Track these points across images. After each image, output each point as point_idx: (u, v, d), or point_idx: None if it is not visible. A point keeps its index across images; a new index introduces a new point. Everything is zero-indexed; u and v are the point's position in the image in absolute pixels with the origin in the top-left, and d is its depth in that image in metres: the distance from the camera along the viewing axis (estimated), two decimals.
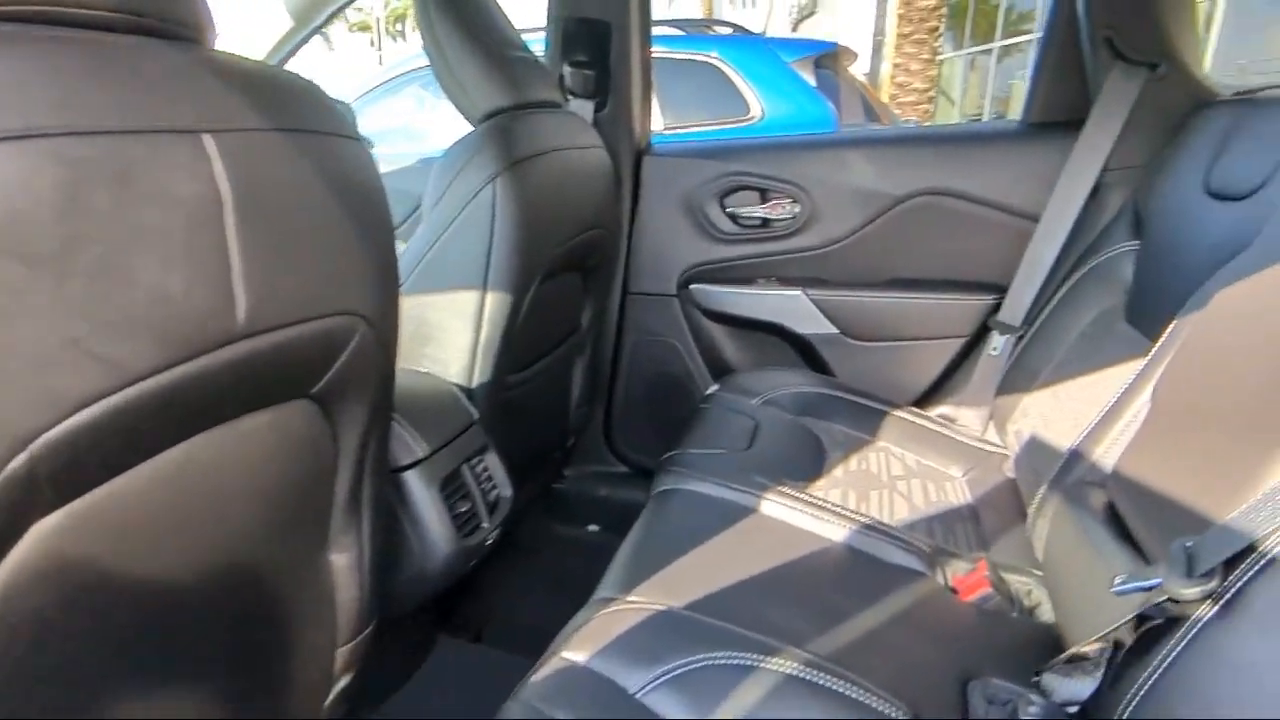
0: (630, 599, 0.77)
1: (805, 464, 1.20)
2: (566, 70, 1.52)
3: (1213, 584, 0.53)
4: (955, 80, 10.66)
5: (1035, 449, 1.08)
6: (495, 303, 1.09)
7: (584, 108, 1.53)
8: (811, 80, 3.21)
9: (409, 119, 3.73)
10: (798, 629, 0.76)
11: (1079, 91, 1.35)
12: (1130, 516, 0.76)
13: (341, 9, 1.76)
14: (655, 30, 1.67)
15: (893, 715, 0.67)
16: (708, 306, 1.62)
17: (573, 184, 1.27)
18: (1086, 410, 0.99)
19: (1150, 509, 0.72)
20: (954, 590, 0.93)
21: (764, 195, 1.57)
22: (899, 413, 1.37)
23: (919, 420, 1.36)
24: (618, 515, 1.65)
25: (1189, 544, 0.58)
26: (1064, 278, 1.30)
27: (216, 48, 0.55)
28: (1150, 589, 0.59)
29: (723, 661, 0.69)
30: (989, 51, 9.62)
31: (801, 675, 0.69)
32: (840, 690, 0.68)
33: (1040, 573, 0.95)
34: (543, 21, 1.56)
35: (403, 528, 0.91)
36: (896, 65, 9.34)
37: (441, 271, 1.10)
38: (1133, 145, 1.28)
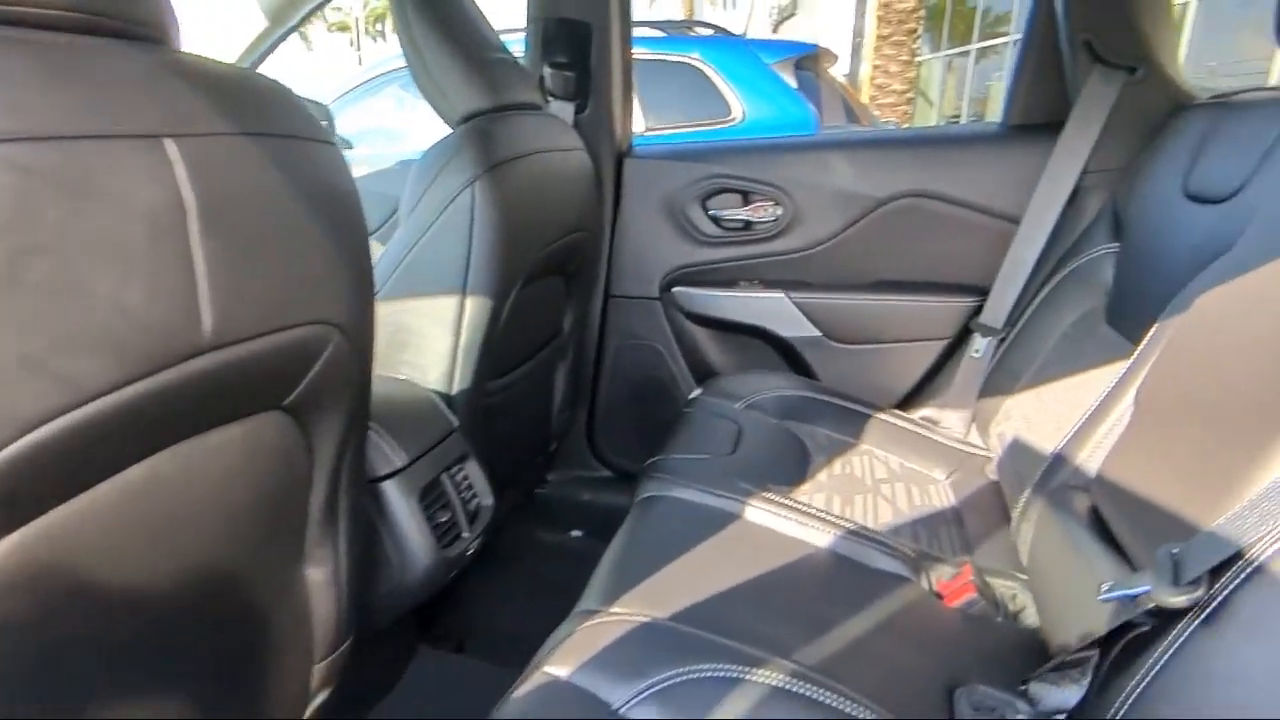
0: (614, 611, 0.76)
1: (789, 468, 1.19)
2: (546, 72, 1.50)
3: (1199, 592, 0.53)
4: (933, 81, 10.76)
5: (1018, 452, 1.08)
6: (475, 308, 1.07)
7: (564, 110, 1.51)
8: (792, 82, 3.22)
9: (388, 120, 3.70)
10: (783, 638, 0.75)
11: (1058, 94, 1.35)
12: (1114, 521, 0.76)
13: (317, 9, 1.73)
14: (636, 31, 1.65)
15: None
16: (690, 309, 1.61)
17: (553, 187, 1.25)
18: (1069, 412, 0.99)
19: (1134, 513, 0.72)
20: (939, 595, 0.92)
21: (746, 198, 1.56)
22: (882, 415, 1.37)
23: (902, 423, 1.36)
24: (601, 520, 1.64)
25: (1175, 551, 0.57)
26: (1045, 280, 1.31)
27: (183, 49, 0.54)
28: (1136, 596, 0.58)
29: (708, 674, 0.67)
30: (966, 53, 9.72)
31: (788, 686, 0.68)
32: (827, 701, 0.67)
33: (1024, 576, 0.95)
34: (522, 22, 1.55)
35: (381, 539, 0.89)
36: (876, 67, 9.41)
37: (420, 276, 1.08)
38: (1112, 148, 1.28)
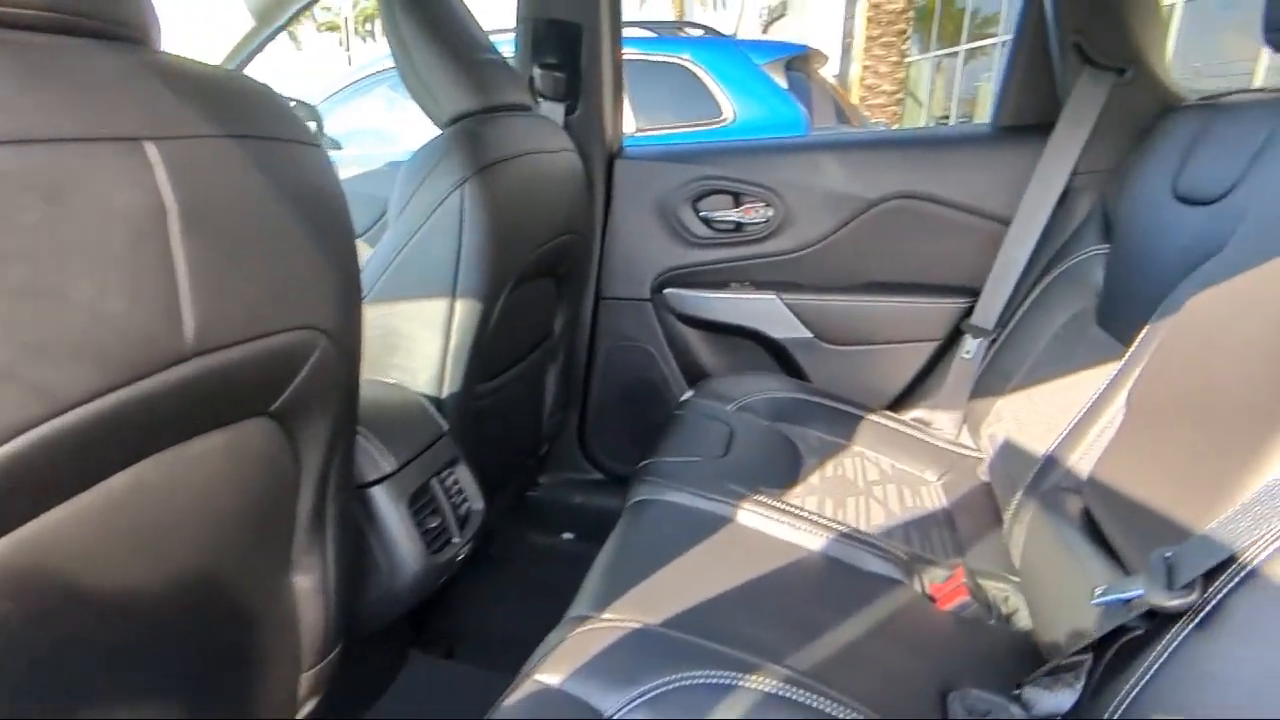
0: (605, 617, 0.75)
1: (781, 471, 1.19)
2: (536, 72, 1.49)
3: (1193, 596, 0.53)
4: (922, 82, 10.80)
5: (1010, 453, 1.08)
6: (464, 310, 1.06)
7: (554, 110, 1.50)
8: (783, 83, 3.22)
9: (378, 120, 3.68)
10: (776, 644, 0.74)
11: (1048, 95, 1.36)
12: (1107, 524, 0.76)
13: (305, 8, 1.72)
14: (626, 32, 1.65)
15: None
16: (682, 311, 1.61)
17: (543, 188, 1.24)
18: (1060, 414, 0.99)
19: (1127, 516, 0.72)
20: (932, 598, 0.92)
21: (737, 199, 1.56)
22: (874, 417, 1.37)
23: (894, 424, 1.36)
24: (593, 523, 1.63)
25: (1168, 554, 0.57)
26: (1035, 281, 1.31)
27: (167, 49, 0.53)
28: (1130, 600, 0.58)
29: (700, 681, 0.67)
30: (955, 54, 9.77)
31: (780, 693, 0.67)
32: (819, 706, 0.67)
33: (1017, 579, 0.95)
34: (511, 23, 1.54)
35: (369, 546, 0.88)
36: (866, 67, 9.44)
37: (408, 279, 1.07)
38: (1101, 149, 1.29)
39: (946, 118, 10.05)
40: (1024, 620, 0.90)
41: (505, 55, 1.26)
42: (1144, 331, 0.86)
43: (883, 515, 1.12)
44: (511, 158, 1.13)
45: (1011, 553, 0.96)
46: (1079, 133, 1.30)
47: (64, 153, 0.40)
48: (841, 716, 0.66)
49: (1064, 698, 0.63)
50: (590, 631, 0.73)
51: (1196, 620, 0.53)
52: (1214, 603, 0.52)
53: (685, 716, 0.64)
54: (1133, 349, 0.87)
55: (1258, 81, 5.00)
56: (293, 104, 2.65)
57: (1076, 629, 0.71)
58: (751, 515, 0.98)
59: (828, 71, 4.13)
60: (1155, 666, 0.55)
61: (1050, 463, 0.93)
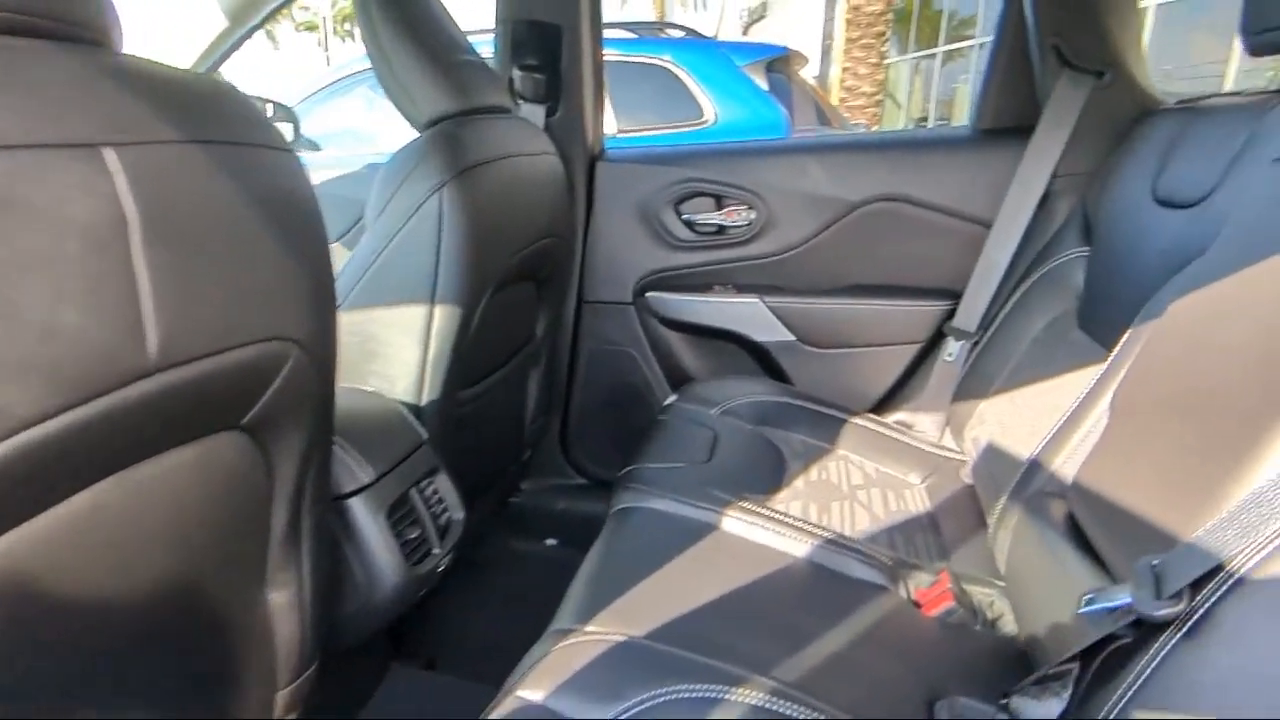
0: (589, 629, 0.74)
1: (765, 476, 1.18)
2: (516, 74, 1.48)
3: (1181, 606, 0.52)
4: (901, 84, 10.89)
5: (993, 457, 1.08)
6: (444, 316, 1.05)
7: (535, 113, 1.49)
8: (764, 84, 3.22)
9: (357, 121, 3.64)
10: (762, 655, 0.73)
11: (1028, 98, 1.36)
12: (1091, 529, 0.76)
13: (279, 9, 1.69)
14: (606, 33, 1.64)
15: None
16: (664, 314, 1.60)
17: (524, 192, 1.23)
18: (1042, 417, 0.99)
19: (1112, 522, 0.72)
20: (917, 604, 0.92)
21: (720, 202, 1.55)
22: (857, 420, 1.36)
23: (877, 427, 1.36)
24: (577, 528, 1.62)
25: (1155, 562, 0.57)
26: (1017, 283, 1.31)
27: (129, 51, 0.51)
28: (1117, 609, 0.58)
29: (686, 695, 0.66)
30: (933, 56, 9.85)
31: (767, 705, 0.66)
32: (807, 718, 0.66)
33: (1001, 583, 0.95)
34: (490, 24, 1.52)
35: (347, 559, 0.86)
36: (845, 69, 9.50)
37: (386, 285, 1.05)
38: (1081, 152, 1.29)
39: (925, 119, 10.14)
40: (1009, 625, 0.90)
41: (484, 57, 1.24)
42: (1126, 335, 0.86)
43: (867, 520, 1.12)
44: (491, 161, 1.11)
45: (996, 557, 0.96)
46: (1059, 135, 1.30)
47: (14, 160, 0.38)
48: None
49: (1051, 707, 0.63)
50: (574, 645, 0.71)
51: (1184, 629, 0.52)
52: (1201, 611, 0.52)
53: None
54: (1115, 353, 0.87)
55: (1228, 83, 5.09)
56: (269, 105, 2.62)
57: (1063, 636, 0.70)
58: (736, 522, 0.97)
59: (807, 73, 4.13)
60: (1143, 676, 0.54)
61: (1034, 467, 0.93)
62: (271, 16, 1.72)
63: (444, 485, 1.02)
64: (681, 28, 4.43)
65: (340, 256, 1.13)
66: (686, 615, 0.77)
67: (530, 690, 0.67)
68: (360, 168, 2.87)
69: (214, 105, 0.53)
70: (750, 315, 1.55)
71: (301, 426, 0.66)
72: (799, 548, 0.95)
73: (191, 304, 0.48)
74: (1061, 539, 0.79)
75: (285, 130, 2.75)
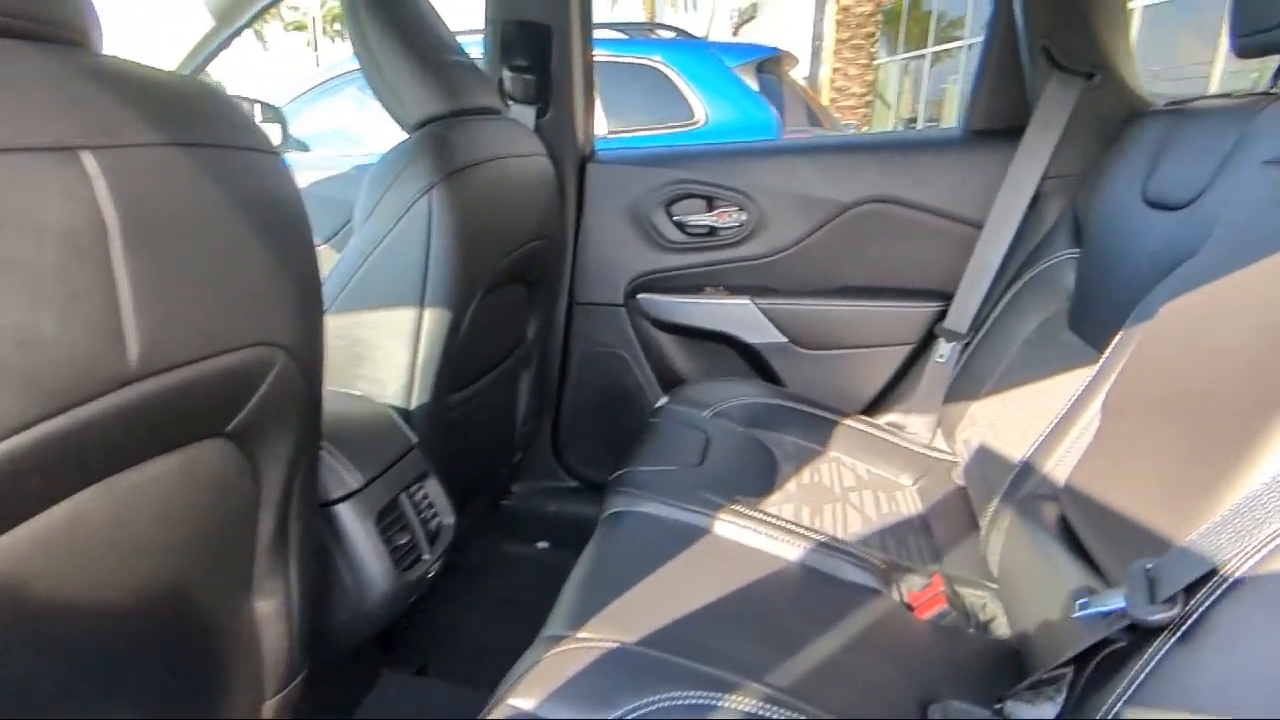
0: (581, 636, 0.73)
1: (758, 478, 1.18)
2: (506, 75, 1.47)
3: (1175, 610, 0.52)
4: (890, 84, 10.93)
5: (985, 458, 1.08)
6: (433, 319, 1.04)
7: (525, 114, 1.48)
8: (754, 85, 3.22)
9: (347, 122, 3.61)
10: (755, 660, 0.73)
11: (1019, 99, 1.36)
12: (1084, 531, 0.76)
13: (267, 9, 1.68)
14: (597, 34, 1.63)
15: None
16: (656, 316, 1.59)
17: (514, 193, 1.22)
18: (1034, 419, 0.99)
19: (1105, 525, 0.72)
20: (910, 607, 0.91)
21: (711, 203, 1.55)
22: (849, 422, 1.36)
23: (869, 429, 1.36)
24: (568, 531, 1.61)
25: (1149, 566, 0.57)
26: (1008, 285, 1.32)
27: (111, 52, 0.50)
28: (1112, 613, 0.58)
29: (679, 702, 0.65)
30: (922, 57, 9.90)
31: (760, 711, 0.66)
32: None
33: (994, 586, 0.95)
34: (480, 24, 1.51)
35: (336, 566, 0.85)
36: (835, 70, 9.53)
37: (375, 288, 1.04)
38: (1071, 153, 1.30)
39: (914, 119, 10.18)
40: (1002, 628, 0.90)
41: (473, 58, 1.24)
42: (1118, 337, 0.86)
43: (859, 522, 1.11)
44: (481, 162, 1.10)
45: (989, 560, 0.95)
46: (1049, 137, 1.30)
47: None
48: None
49: (1045, 711, 0.63)
50: (566, 652, 0.71)
51: (1179, 634, 0.52)
52: (1196, 616, 0.52)
53: None
54: (1107, 354, 0.87)
55: (1214, 83, 5.13)
56: (257, 106, 2.60)
57: (1056, 639, 0.70)
58: (728, 526, 0.97)
59: (797, 74, 4.14)
60: (1138, 680, 0.54)
61: (1026, 469, 0.93)
62: (259, 16, 1.71)
63: (434, 490, 1.01)
64: (672, 28, 4.42)
65: (329, 258, 1.13)
66: (679, 620, 0.77)
67: (522, 698, 0.66)
68: (349, 169, 2.85)
69: (197, 107, 0.52)
70: (741, 317, 1.55)
71: (288, 432, 0.65)
72: (791, 551, 0.94)
73: (174, 310, 0.47)
74: (1054, 541, 0.79)
75: (273, 131, 2.72)
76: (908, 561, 1.02)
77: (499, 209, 1.16)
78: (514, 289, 1.31)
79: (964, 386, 1.29)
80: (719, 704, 0.65)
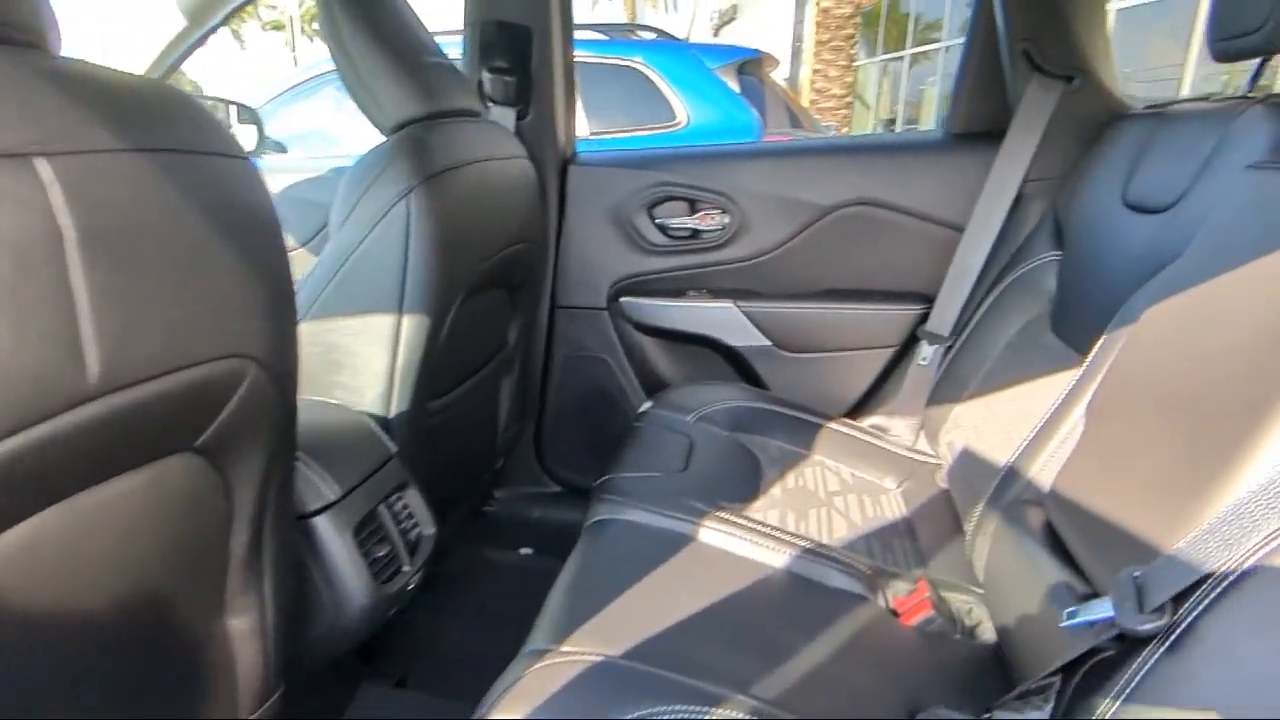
0: (565, 649, 0.71)
1: (742, 484, 1.17)
2: (485, 76, 1.45)
3: (1164, 620, 0.52)
4: (870, 85, 11.01)
5: (969, 462, 1.08)
6: (412, 325, 1.02)
7: (505, 116, 1.46)
8: (735, 86, 3.22)
9: (325, 123, 3.57)
10: (741, 671, 0.72)
11: (999, 103, 1.36)
12: (1070, 537, 0.76)
13: (240, 8, 1.65)
14: (577, 35, 1.62)
15: None
16: (639, 320, 1.58)
17: (494, 197, 1.20)
18: (1017, 422, 0.99)
19: (1091, 531, 0.71)
20: (895, 613, 0.91)
21: (693, 206, 1.54)
22: (833, 425, 1.36)
23: (852, 432, 1.36)
24: (552, 537, 1.59)
25: (1137, 574, 0.56)
26: (990, 287, 1.32)
27: (71, 54, 0.48)
28: (1100, 623, 0.57)
29: (665, 717, 0.64)
30: (901, 58, 9.98)
31: None
32: None
33: (979, 590, 0.95)
34: (458, 25, 1.49)
35: (313, 580, 0.83)
36: (816, 71, 9.59)
37: (352, 293, 1.02)
38: (1052, 156, 1.30)
39: (893, 120, 10.26)
40: (988, 632, 0.89)
41: (452, 59, 1.22)
42: (1101, 340, 0.86)
43: (844, 527, 1.11)
44: (460, 165, 1.08)
45: (974, 565, 0.95)
46: (1030, 139, 1.31)
47: None
48: None
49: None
50: (549, 667, 0.69)
51: (1168, 644, 0.52)
52: (1184, 625, 0.51)
53: None
54: (1090, 359, 0.87)
55: (1185, 85, 5.21)
56: (232, 107, 2.55)
57: (1044, 647, 0.70)
58: (713, 533, 0.96)
59: (778, 75, 4.14)
60: (1127, 690, 0.54)
61: (1011, 474, 0.92)
62: (233, 16, 1.67)
63: (414, 500, 0.99)
64: (653, 29, 4.41)
65: (306, 262, 1.10)
66: (664, 632, 0.75)
67: (504, 715, 0.65)
68: (327, 171, 2.81)
69: (161, 111, 0.50)
70: (725, 320, 1.54)
71: (261, 445, 0.63)
72: (777, 558, 0.94)
73: (137, 323, 0.45)
74: (1040, 547, 0.79)
75: (249, 133, 2.68)
76: (893, 567, 1.02)
77: (479, 213, 1.15)
78: (495, 293, 1.29)
79: (947, 389, 1.29)
80: (705, 718, 0.64)
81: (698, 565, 0.90)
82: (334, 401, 1.02)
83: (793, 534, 1.00)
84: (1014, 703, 0.64)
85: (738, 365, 1.58)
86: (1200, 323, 0.68)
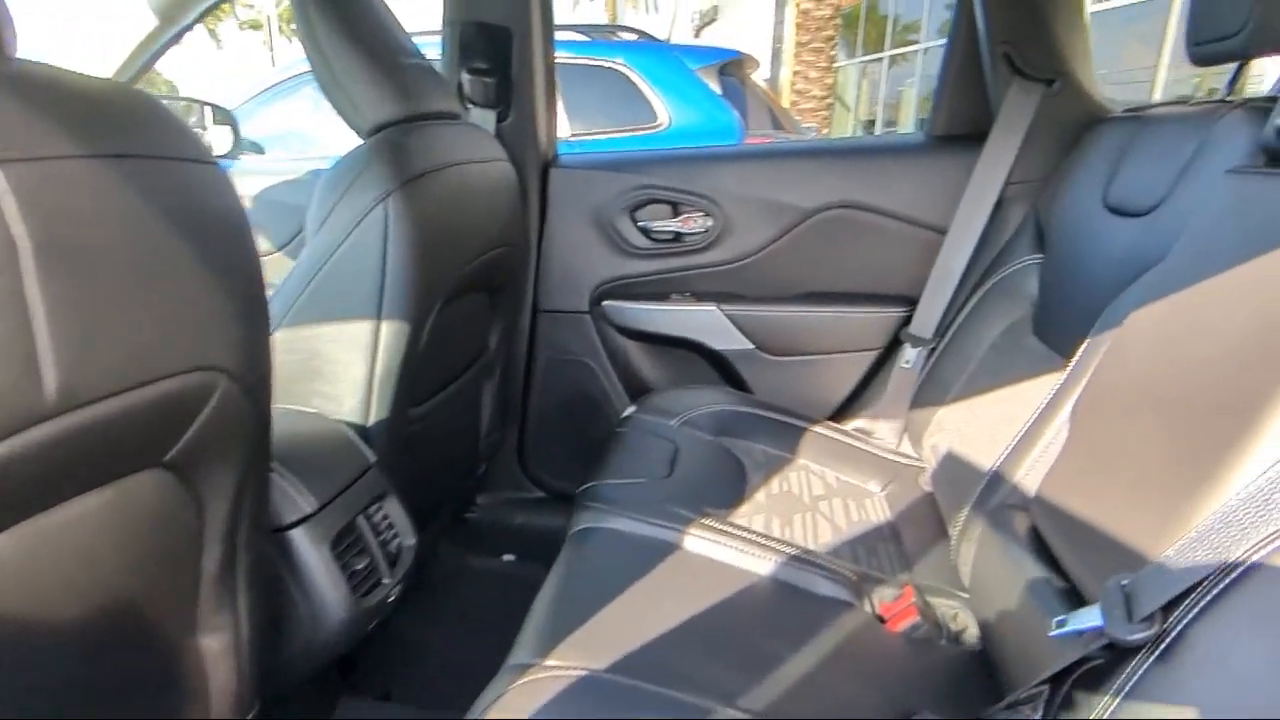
0: (549, 664, 0.70)
1: (727, 489, 1.16)
2: (465, 78, 1.43)
3: (1154, 629, 0.51)
4: (849, 87, 11.07)
5: (953, 466, 1.08)
6: (391, 332, 1.00)
7: (485, 118, 1.45)
8: (717, 88, 3.21)
9: (303, 123, 3.52)
10: (728, 683, 0.71)
11: (981, 106, 1.37)
12: (1056, 543, 0.75)
13: (213, 7, 1.62)
14: (558, 35, 1.60)
15: None
16: (621, 323, 1.57)
17: (474, 200, 1.19)
18: (1001, 425, 0.99)
19: (1076, 537, 0.71)
20: (882, 619, 0.91)
21: (676, 209, 1.53)
22: (817, 428, 1.35)
23: (836, 435, 1.35)
24: (535, 543, 1.58)
25: (1125, 582, 0.56)
26: (972, 290, 1.32)
27: (27, 57, 0.46)
28: (1088, 632, 0.57)
29: None
30: (880, 60, 10.04)
31: None
32: None
33: (965, 595, 0.94)
34: (437, 25, 1.47)
35: (289, 595, 0.81)
36: (796, 72, 9.63)
37: (329, 300, 1.00)
38: (1033, 159, 1.30)
39: (873, 121, 10.33)
40: (974, 638, 0.89)
41: (431, 60, 1.20)
42: (1085, 344, 0.86)
43: (830, 532, 1.10)
44: (439, 168, 1.07)
45: (960, 570, 0.95)
46: (1011, 142, 1.31)
47: None
48: None
49: None
50: (533, 682, 0.68)
51: (1157, 653, 0.52)
52: (1174, 634, 0.51)
53: None
54: (1074, 363, 0.87)
55: (1158, 88, 5.29)
56: (207, 108, 2.51)
57: (1031, 654, 0.69)
58: (699, 541, 0.95)
59: (758, 76, 4.15)
60: (1117, 700, 0.53)
61: (996, 479, 0.92)
62: (207, 15, 1.64)
63: (394, 510, 0.97)
64: (634, 30, 4.40)
65: (282, 267, 1.08)
66: (649, 644, 0.74)
67: None
68: (304, 173, 2.78)
69: (124, 116, 0.48)
70: (708, 323, 1.54)
71: (233, 459, 0.61)
72: (763, 565, 0.93)
73: (98, 337, 0.43)
74: (1026, 553, 0.79)
75: (224, 134, 2.63)
76: (879, 572, 1.01)
77: (459, 216, 1.13)
78: (475, 297, 1.28)
79: (930, 392, 1.29)
80: None
81: (683, 574, 0.89)
82: (311, 410, 1.00)
83: (778, 540, 0.99)
84: (1003, 712, 0.63)
85: (721, 369, 1.57)
86: (1184, 328, 0.68)
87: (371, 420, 1.02)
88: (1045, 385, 0.92)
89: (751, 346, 1.53)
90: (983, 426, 1.06)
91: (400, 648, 1.32)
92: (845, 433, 1.38)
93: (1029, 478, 0.86)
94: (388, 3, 1.12)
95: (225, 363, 0.55)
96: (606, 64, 3.18)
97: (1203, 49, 0.87)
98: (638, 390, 1.55)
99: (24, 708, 0.50)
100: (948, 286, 1.37)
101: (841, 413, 1.54)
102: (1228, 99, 0.94)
